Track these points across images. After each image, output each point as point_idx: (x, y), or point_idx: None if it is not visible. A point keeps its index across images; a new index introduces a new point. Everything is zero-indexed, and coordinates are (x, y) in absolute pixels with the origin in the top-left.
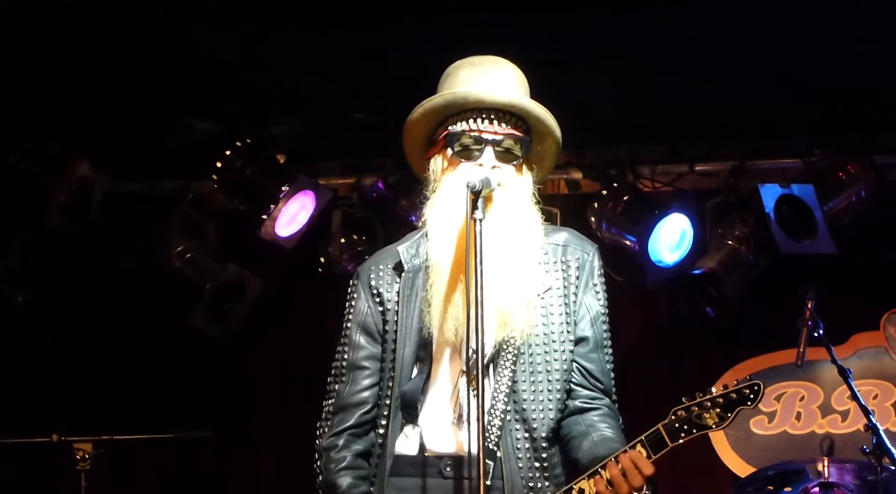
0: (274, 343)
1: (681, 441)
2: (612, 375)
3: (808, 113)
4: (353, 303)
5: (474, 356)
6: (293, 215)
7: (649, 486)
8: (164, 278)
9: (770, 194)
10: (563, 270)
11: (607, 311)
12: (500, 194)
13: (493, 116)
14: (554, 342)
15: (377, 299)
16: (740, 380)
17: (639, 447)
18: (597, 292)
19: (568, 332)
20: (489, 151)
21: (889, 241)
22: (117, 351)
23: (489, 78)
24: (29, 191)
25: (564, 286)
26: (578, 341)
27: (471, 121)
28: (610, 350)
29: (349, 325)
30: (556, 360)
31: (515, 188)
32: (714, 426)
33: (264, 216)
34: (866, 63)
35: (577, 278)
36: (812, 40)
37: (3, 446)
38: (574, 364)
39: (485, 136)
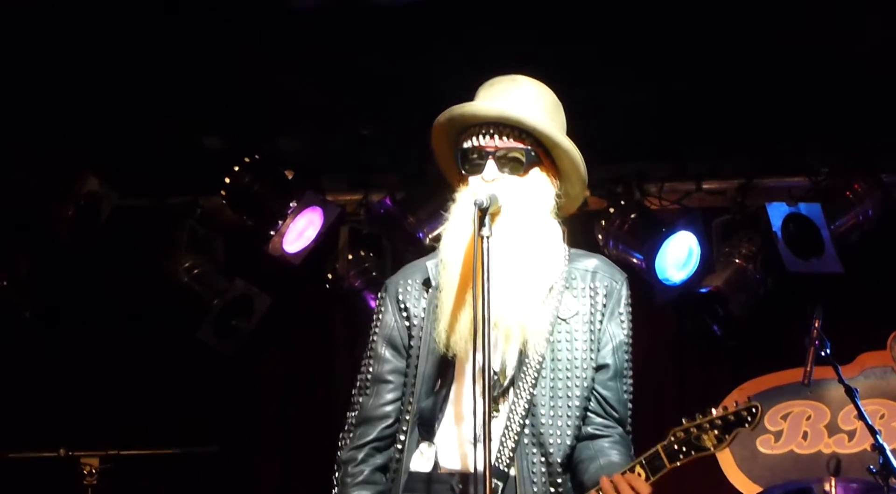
0: (280, 359)
1: (679, 462)
2: (630, 406)
3: (815, 131)
4: (380, 316)
5: (494, 376)
6: (301, 230)
7: None
8: (171, 294)
9: (777, 212)
10: (590, 296)
11: (631, 341)
12: (507, 209)
13: (492, 131)
14: (576, 367)
15: (404, 314)
16: (739, 402)
17: (638, 468)
18: (622, 322)
19: (591, 359)
20: (491, 164)
21: None
22: (124, 366)
23: (499, 93)
24: (37, 205)
25: (591, 313)
26: (599, 367)
27: (474, 137)
28: (629, 381)
29: (375, 338)
30: (576, 386)
31: (524, 202)
32: (712, 448)
33: (272, 232)
34: (875, 82)
35: (604, 305)
36: (821, 58)
37: (10, 460)
38: (592, 391)
39: (487, 150)
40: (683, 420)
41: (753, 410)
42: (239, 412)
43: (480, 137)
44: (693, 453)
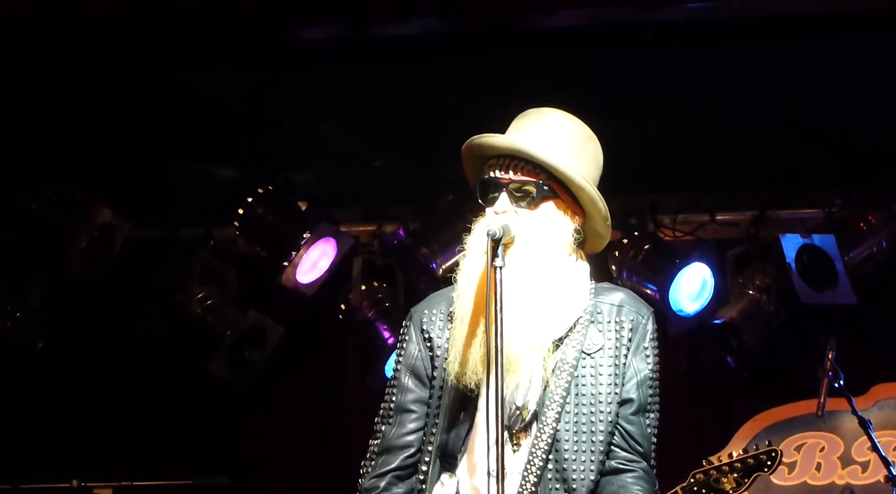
0: (293, 390)
1: None
2: (654, 441)
3: (829, 163)
4: (404, 345)
5: (516, 411)
6: (314, 261)
7: None
8: (184, 325)
9: (791, 243)
10: (616, 330)
11: (656, 376)
12: (519, 240)
13: (507, 163)
14: (601, 402)
15: (428, 344)
16: (759, 445)
17: None
18: (647, 356)
19: (616, 393)
20: (504, 196)
21: None
22: (137, 397)
23: (523, 126)
24: (50, 237)
25: (616, 347)
26: (623, 402)
27: (492, 170)
28: (654, 416)
29: (399, 367)
30: (600, 421)
31: (537, 235)
32: (731, 492)
33: (285, 263)
34: (888, 113)
35: (630, 340)
36: (834, 90)
37: (23, 491)
38: (616, 425)
39: (501, 182)
40: (704, 462)
41: (773, 454)
42: (251, 443)
43: (497, 169)
44: None
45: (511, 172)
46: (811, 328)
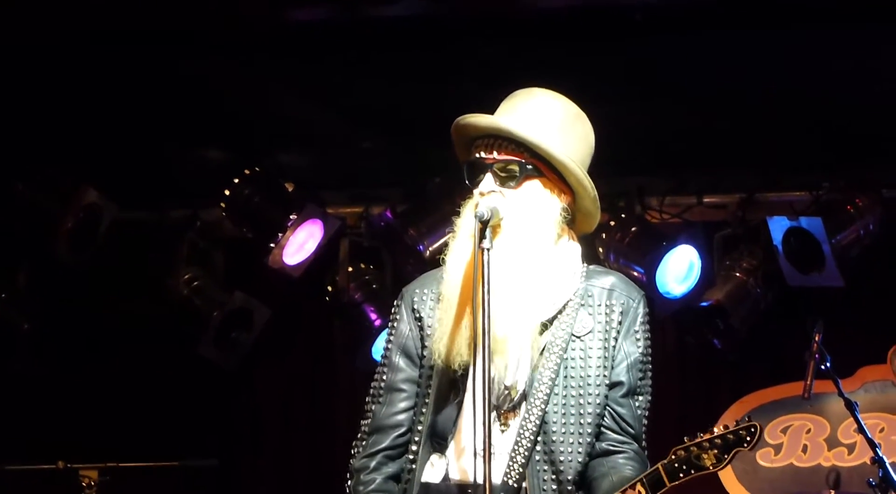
0: (280, 371)
1: (678, 481)
2: (645, 422)
3: (816, 146)
4: (395, 325)
5: (504, 390)
6: (301, 243)
7: None
8: (170, 306)
9: (778, 226)
10: (606, 313)
11: (647, 359)
12: (506, 222)
13: (492, 143)
14: (589, 384)
15: (419, 324)
16: (739, 421)
17: (638, 486)
18: (637, 339)
19: (605, 376)
20: (488, 176)
21: None
22: (123, 379)
23: (510, 107)
24: (36, 218)
25: (606, 330)
26: (613, 385)
27: (478, 152)
28: (644, 398)
29: (390, 346)
30: (589, 403)
31: (521, 214)
32: (711, 468)
33: (272, 245)
34: (875, 97)
35: (620, 323)
36: (821, 74)
37: (9, 473)
38: (606, 408)
39: (486, 162)
40: (685, 439)
41: (753, 429)
42: (239, 424)
43: (482, 150)
44: (693, 472)
45: (495, 153)
46: (798, 310)
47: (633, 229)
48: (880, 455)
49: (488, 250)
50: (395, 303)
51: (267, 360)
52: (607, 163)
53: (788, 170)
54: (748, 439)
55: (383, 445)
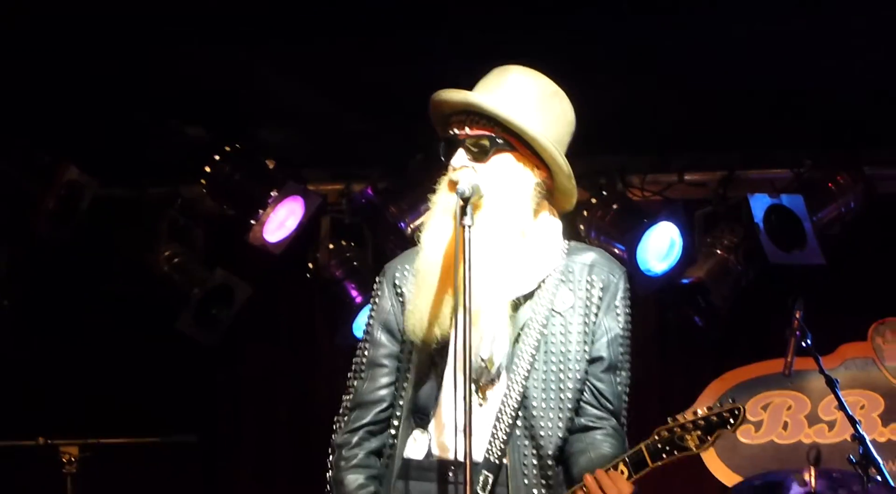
0: (261, 348)
1: (661, 462)
2: (625, 399)
3: (797, 124)
4: (376, 301)
5: (482, 363)
6: (282, 220)
7: None
8: (151, 283)
9: (759, 204)
10: (587, 289)
11: (628, 335)
12: (485, 198)
13: (463, 119)
14: (570, 360)
15: (400, 299)
16: (723, 402)
17: (621, 466)
18: (618, 315)
19: (585, 351)
20: (461, 152)
21: (877, 252)
22: (104, 355)
23: (486, 83)
24: (17, 195)
25: (586, 306)
26: (593, 360)
27: (451, 127)
28: (625, 374)
29: (372, 322)
30: (569, 378)
31: (494, 187)
32: (694, 449)
33: (253, 222)
34: (857, 75)
35: (600, 298)
36: (802, 51)
37: None
38: (586, 383)
39: (459, 138)
40: (668, 420)
41: (736, 411)
42: (220, 401)
43: (456, 126)
44: (675, 453)
45: (467, 128)
46: (779, 287)
47: (615, 206)
48: (861, 432)
49: (469, 227)
50: (377, 279)
51: (248, 337)
52: (589, 141)
53: (769, 148)
54: (731, 421)
55: (365, 420)
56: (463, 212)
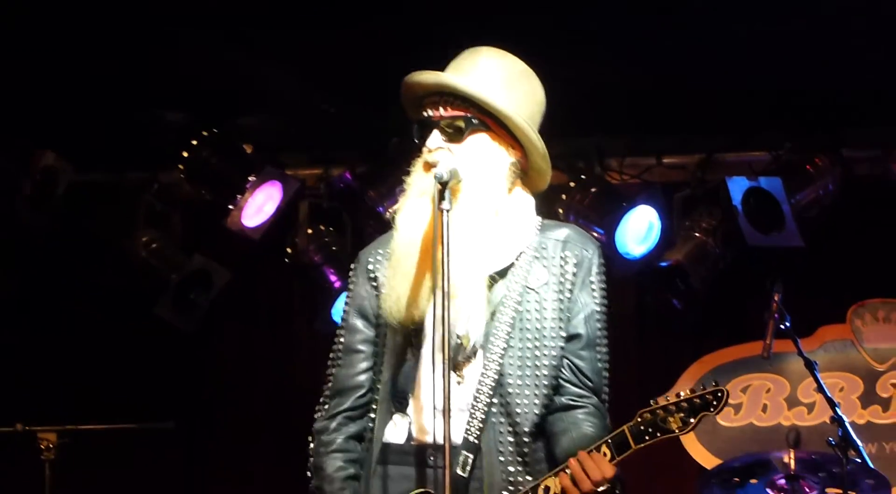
0: (240, 334)
1: (644, 444)
2: (605, 375)
3: (776, 107)
4: (351, 287)
5: (457, 339)
6: (260, 205)
7: (617, 483)
8: (129, 269)
9: (737, 186)
10: (561, 265)
11: (604, 310)
12: (463, 180)
13: (437, 101)
14: (545, 336)
15: (374, 284)
16: (706, 384)
17: (604, 448)
18: (593, 291)
19: (560, 328)
20: (436, 133)
21: (856, 234)
22: (82, 341)
23: (457, 64)
24: None
25: (560, 282)
26: (571, 337)
27: (424, 110)
28: (604, 350)
29: (348, 308)
30: (545, 355)
31: (470, 167)
32: (677, 431)
33: (231, 207)
34: (834, 58)
35: (575, 274)
36: (781, 35)
37: None
38: (565, 361)
39: (433, 119)
40: (651, 402)
41: (719, 394)
42: (199, 386)
43: (430, 108)
44: (658, 435)
45: (441, 109)
46: (757, 270)
47: (593, 189)
48: (840, 414)
49: (448, 211)
50: (351, 266)
51: (226, 322)
52: (567, 123)
53: (748, 130)
54: (714, 403)
55: (344, 406)
56: (441, 196)
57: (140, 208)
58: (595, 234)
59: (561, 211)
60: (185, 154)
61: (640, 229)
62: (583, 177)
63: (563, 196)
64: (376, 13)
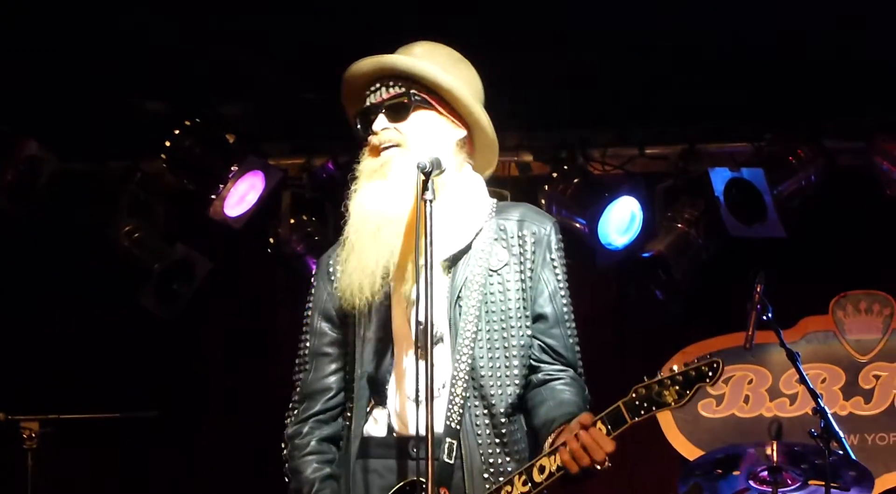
0: (222, 323)
1: (639, 418)
2: (578, 349)
3: (758, 97)
4: (312, 291)
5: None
6: (242, 195)
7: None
8: (111, 258)
9: (720, 177)
10: (519, 245)
11: (567, 285)
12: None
13: (378, 87)
14: (511, 318)
15: (335, 284)
16: (700, 358)
17: (599, 424)
18: (555, 267)
19: (525, 308)
20: (381, 116)
21: (838, 225)
22: (65, 331)
23: (396, 53)
24: None
25: (521, 262)
26: (538, 317)
27: (366, 99)
28: (572, 325)
29: (309, 313)
30: (513, 336)
31: (416, 142)
32: (673, 404)
33: (213, 196)
34: (817, 48)
35: (534, 253)
36: (763, 24)
37: None
38: (536, 342)
39: (377, 105)
40: (645, 378)
41: (715, 365)
42: (181, 375)
43: (371, 96)
44: (654, 408)
45: (383, 92)
46: (740, 261)
47: (575, 180)
48: (822, 405)
49: (431, 201)
50: (313, 272)
51: (209, 312)
52: (549, 114)
53: (730, 121)
54: (710, 374)
55: (314, 410)
56: (424, 187)
57: (122, 198)
58: (577, 225)
59: (543, 202)
60: (168, 144)
61: (622, 220)
62: (565, 168)
63: (546, 187)
64: (360, 1)
